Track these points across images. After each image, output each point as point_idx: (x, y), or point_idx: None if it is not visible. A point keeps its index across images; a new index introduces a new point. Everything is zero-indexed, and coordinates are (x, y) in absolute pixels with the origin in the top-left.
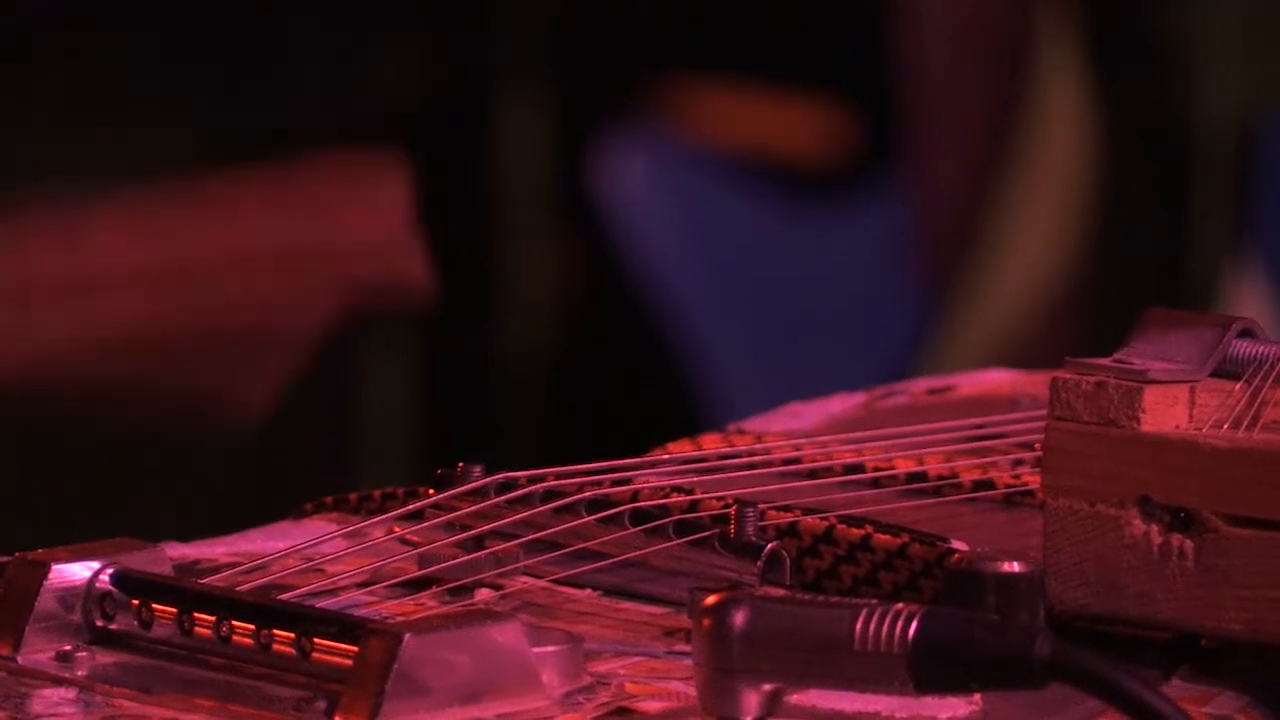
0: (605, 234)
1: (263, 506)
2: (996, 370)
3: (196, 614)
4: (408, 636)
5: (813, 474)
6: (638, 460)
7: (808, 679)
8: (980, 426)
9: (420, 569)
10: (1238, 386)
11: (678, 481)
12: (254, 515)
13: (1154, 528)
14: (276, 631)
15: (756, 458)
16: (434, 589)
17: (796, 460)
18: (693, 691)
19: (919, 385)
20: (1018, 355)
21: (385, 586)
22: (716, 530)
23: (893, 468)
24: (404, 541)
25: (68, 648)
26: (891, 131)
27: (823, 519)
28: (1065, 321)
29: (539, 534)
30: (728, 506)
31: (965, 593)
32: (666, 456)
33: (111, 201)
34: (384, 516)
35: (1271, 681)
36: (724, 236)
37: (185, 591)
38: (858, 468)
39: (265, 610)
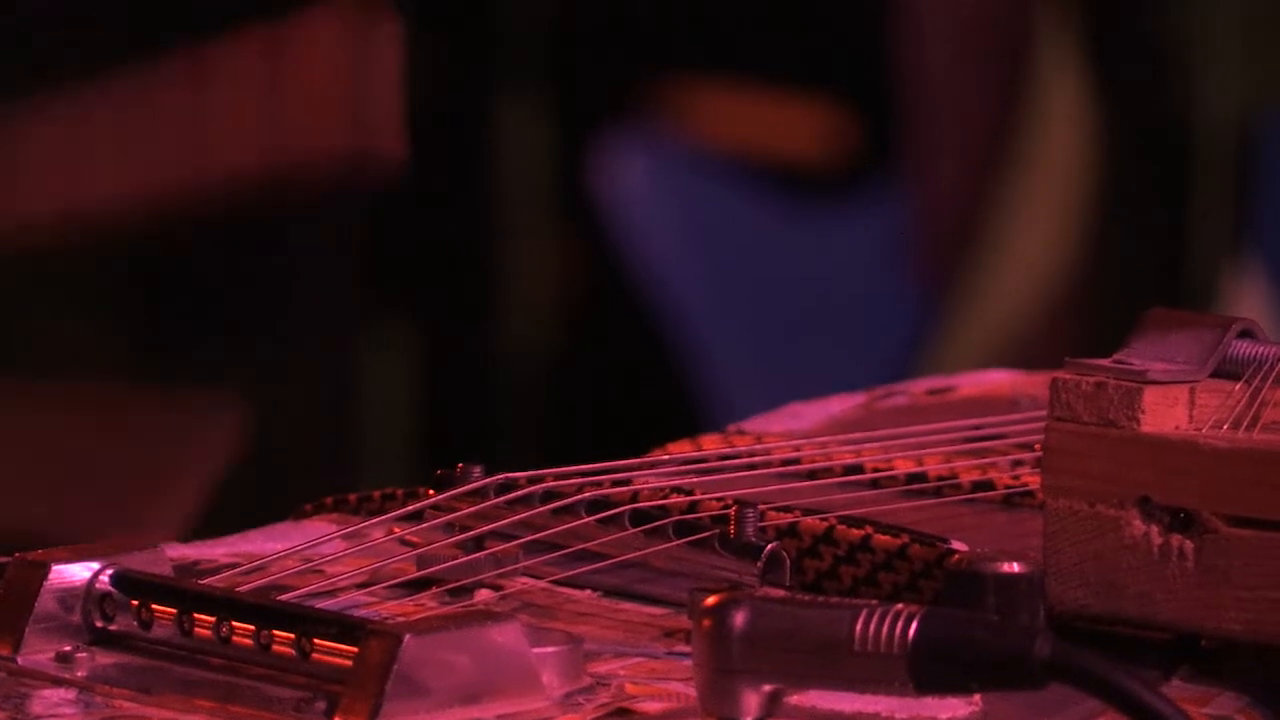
0: (605, 234)
1: (262, 507)
2: (996, 371)
3: (196, 615)
4: (408, 637)
5: (812, 475)
6: (637, 461)
7: (808, 680)
8: (980, 427)
9: (420, 570)
10: (1238, 387)
11: (677, 482)
12: (254, 516)
13: (1154, 528)
14: (276, 632)
15: (756, 458)
16: (434, 590)
17: (796, 461)
18: (693, 692)
19: (919, 386)
20: (1018, 356)
21: (385, 587)
22: (716, 531)
23: (892, 468)
24: (404, 542)
25: (68, 648)
26: (891, 131)
27: (823, 520)
28: (1065, 322)
29: (539, 535)
30: (727, 507)
31: (965, 593)
32: (666, 457)
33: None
34: (384, 517)
35: (1271, 682)
36: (724, 236)
37: (185, 592)
38: (857, 468)
39: (265, 611)
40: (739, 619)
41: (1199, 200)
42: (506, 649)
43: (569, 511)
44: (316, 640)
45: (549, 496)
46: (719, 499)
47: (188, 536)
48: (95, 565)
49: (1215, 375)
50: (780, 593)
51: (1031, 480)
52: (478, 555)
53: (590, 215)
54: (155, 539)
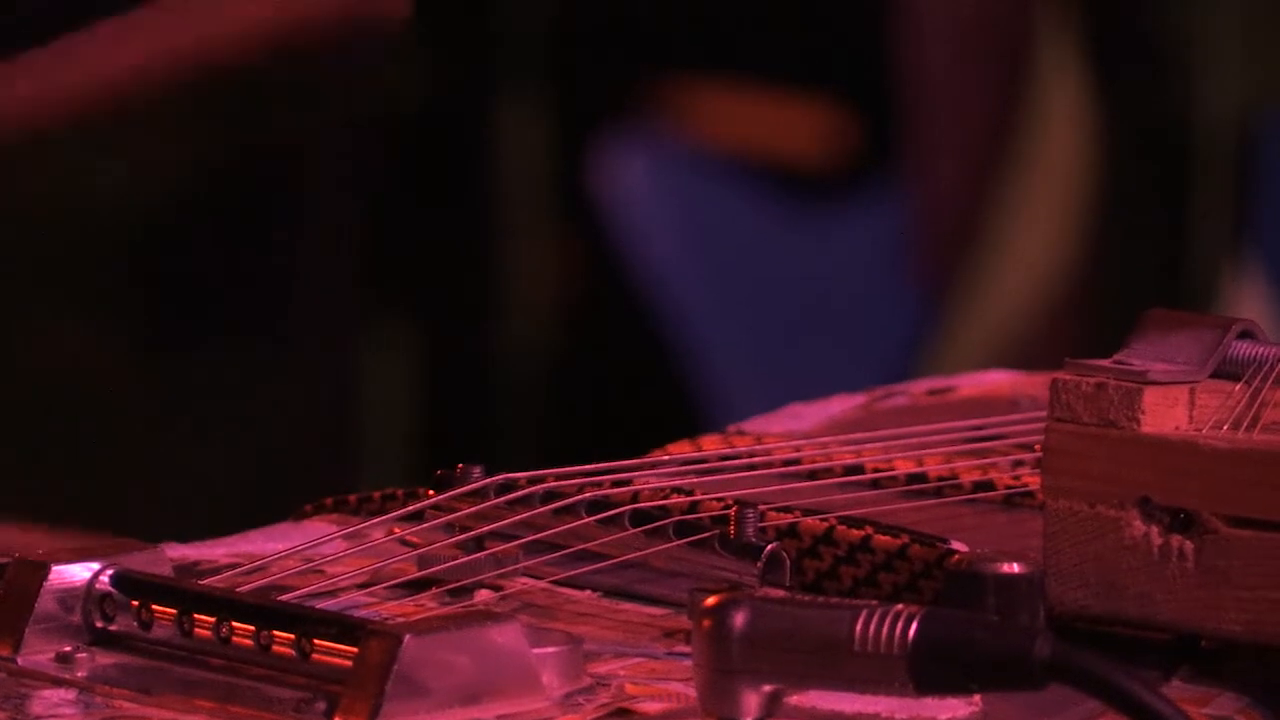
0: (605, 234)
1: (262, 507)
2: (996, 371)
3: (196, 615)
4: (408, 637)
5: (813, 475)
6: (638, 461)
7: (807, 680)
8: (980, 428)
9: (420, 570)
10: (1238, 388)
11: (678, 482)
12: (254, 516)
13: (1154, 529)
14: (276, 633)
15: (756, 459)
16: (434, 590)
17: (796, 461)
18: (693, 692)
19: (919, 386)
20: (1018, 356)
21: (385, 587)
22: (716, 531)
23: (893, 469)
24: (404, 542)
25: (68, 649)
26: (891, 131)
27: (823, 520)
28: (1065, 322)
29: (539, 535)
30: (728, 508)
31: (965, 594)
32: (666, 457)
33: None
34: (384, 517)
35: (1271, 682)
36: (724, 237)
37: (185, 592)
38: (858, 469)
39: (265, 611)
40: (739, 619)
41: (1199, 200)
42: (507, 649)
43: (569, 512)
44: (316, 640)
45: (549, 497)
46: (719, 499)
47: (188, 537)
48: (95, 565)
49: (1215, 376)
50: (780, 593)
51: (1032, 481)
52: (478, 555)
53: (590, 215)
54: (155, 540)
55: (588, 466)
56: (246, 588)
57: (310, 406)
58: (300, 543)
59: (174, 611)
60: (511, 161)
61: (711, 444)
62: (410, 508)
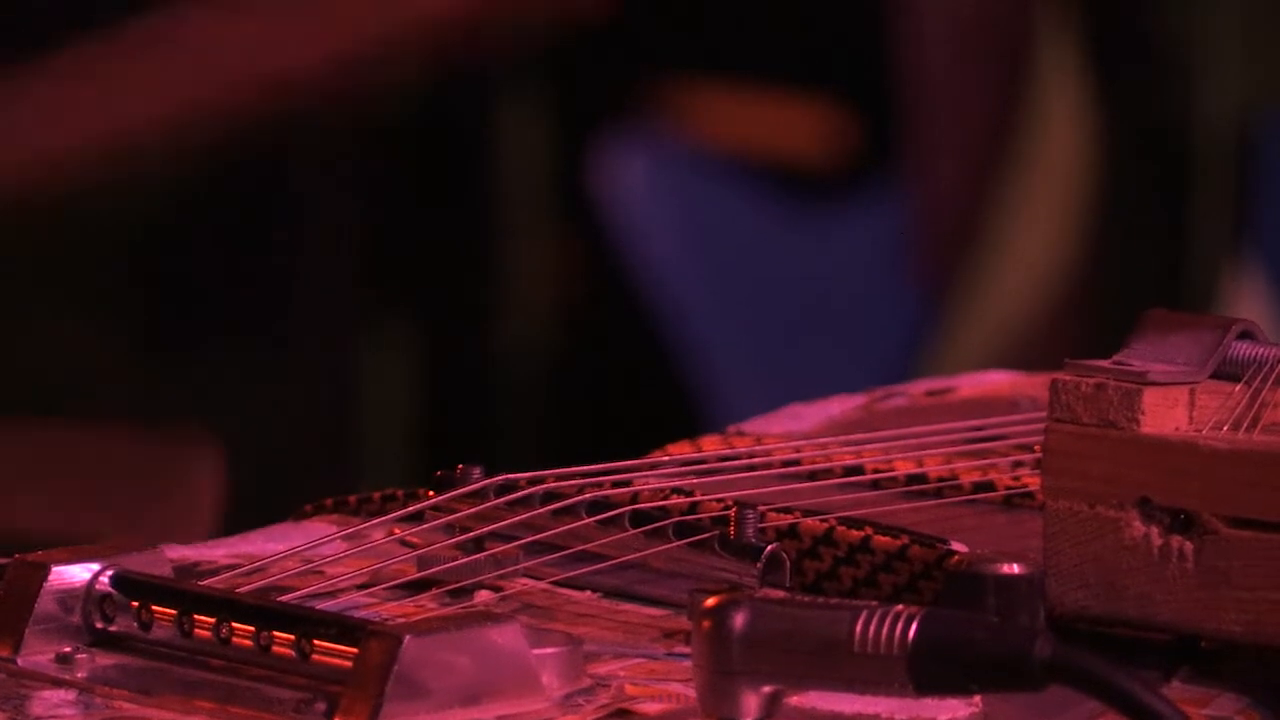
0: (605, 234)
1: (262, 507)
2: (996, 372)
3: (196, 616)
4: (408, 638)
5: (812, 476)
6: (637, 462)
7: (807, 681)
8: (980, 428)
9: (420, 571)
10: (1237, 388)
11: (678, 483)
12: (254, 516)
13: (1154, 529)
14: (276, 633)
15: (756, 459)
16: (434, 591)
17: (796, 462)
18: (692, 693)
19: (919, 387)
20: (1017, 357)
21: (385, 588)
22: (716, 532)
23: (892, 469)
24: (404, 543)
25: (67, 649)
26: (891, 131)
27: (822, 521)
28: (1065, 322)
29: (539, 536)
30: (728, 508)
31: (965, 594)
32: (666, 458)
33: None
34: (384, 518)
35: (1271, 683)
36: (724, 237)
37: (185, 593)
38: (857, 469)
39: (265, 612)
40: (739, 620)
41: (1199, 201)
42: (506, 650)
43: (569, 512)
44: (316, 641)
45: (549, 497)
46: (719, 500)
47: (188, 538)
48: (95, 566)
49: (1215, 376)
50: (780, 594)
51: (1031, 481)
52: (478, 556)
53: (590, 215)
54: (155, 540)
55: (587, 467)
56: (246, 588)
57: (310, 406)
58: (300, 543)
59: (174, 612)
60: (511, 161)
61: (711, 444)
62: (410, 508)
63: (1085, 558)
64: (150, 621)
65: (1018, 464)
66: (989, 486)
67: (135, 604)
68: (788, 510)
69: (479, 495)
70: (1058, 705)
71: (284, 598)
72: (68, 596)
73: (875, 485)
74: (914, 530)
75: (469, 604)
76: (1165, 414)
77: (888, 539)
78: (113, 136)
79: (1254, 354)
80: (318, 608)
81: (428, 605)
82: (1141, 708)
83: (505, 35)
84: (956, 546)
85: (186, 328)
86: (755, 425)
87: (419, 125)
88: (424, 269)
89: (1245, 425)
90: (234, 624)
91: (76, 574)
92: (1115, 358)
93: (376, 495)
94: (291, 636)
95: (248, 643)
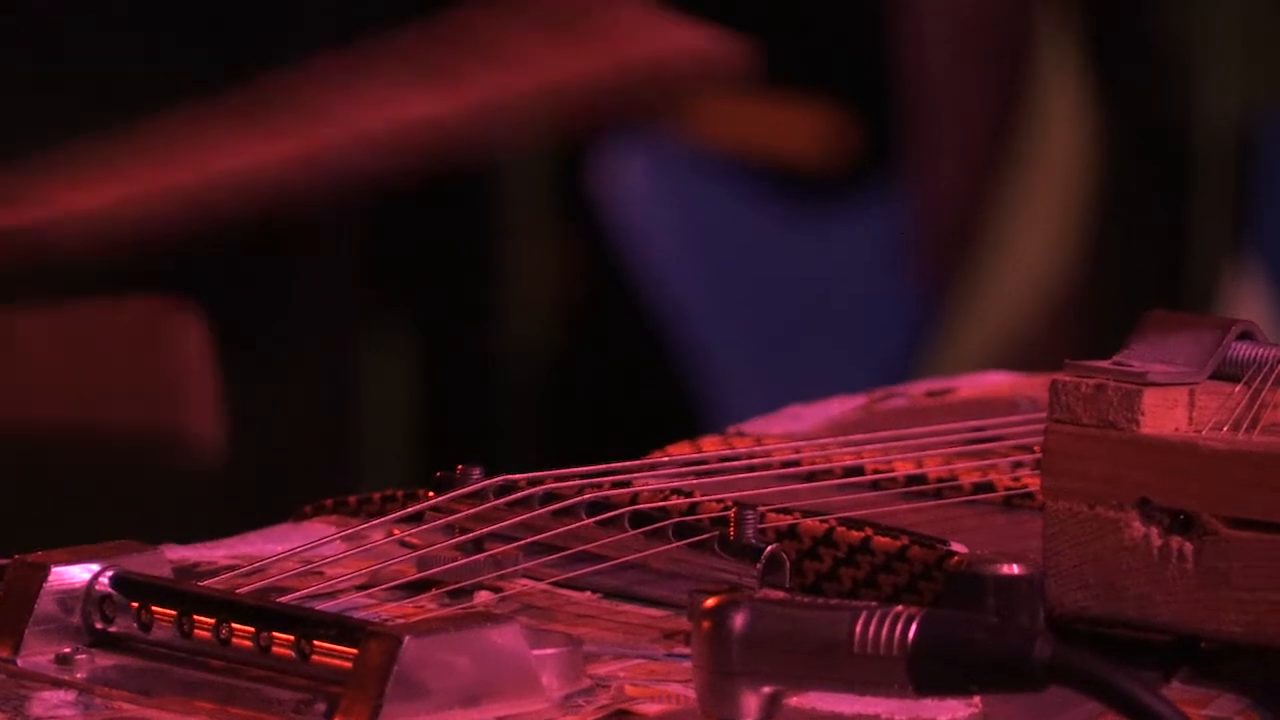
0: (605, 234)
1: (262, 508)
2: (996, 373)
3: (196, 616)
4: (407, 639)
5: (812, 476)
6: (637, 462)
7: (807, 681)
8: (980, 429)
9: (420, 571)
10: (1237, 389)
11: (677, 484)
12: (253, 517)
13: (1154, 530)
14: (276, 634)
15: (756, 460)
16: (433, 591)
17: (796, 463)
18: (692, 694)
19: (918, 388)
20: (1017, 357)
21: (385, 589)
22: (716, 533)
23: (892, 470)
24: (403, 544)
25: (67, 650)
26: (891, 131)
27: (822, 521)
28: (1065, 323)
29: (538, 536)
30: (727, 509)
31: (965, 595)
32: (666, 459)
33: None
34: (383, 519)
35: (1271, 684)
36: (724, 237)
37: (185, 594)
38: (857, 470)
39: (265, 613)
40: (738, 621)
41: (1199, 201)
42: (506, 651)
43: (569, 513)
44: (316, 642)
45: (549, 498)
46: (719, 501)
47: (187, 539)
48: (95, 567)
49: (1215, 377)
50: (780, 594)
51: (1031, 482)
52: (477, 557)
53: (590, 215)
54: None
55: (587, 468)
56: (246, 589)
57: (310, 406)
58: (300, 544)
59: (174, 613)
60: (511, 161)
61: (711, 445)
62: (410, 509)
63: (1085, 558)
64: (150, 622)
65: (1017, 465)
66: (989, 487)
67: (135, 605)
68: (787, 511)
69: (479, 496)
70: (1057, 706)
71: (284, 598)
72: (67, 597)
73: (875, 486)
74: (914, 531)
75: (469, 605)
76: (1165, 415)
77: (887, 540)
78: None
79: (1254, 355)
80: (317, 608)
81: (427, 606)
82: (1141, 708)
83: None
84: (956, 547)
85: None
86: (755, 426)
87: None
88: (424, 269)
89: (1245, 426)
90: (234, 625)
91: (76, 575)
92: (1115, 358)
93: (376, 496)
94: (291, 637)
95: (247, 643)
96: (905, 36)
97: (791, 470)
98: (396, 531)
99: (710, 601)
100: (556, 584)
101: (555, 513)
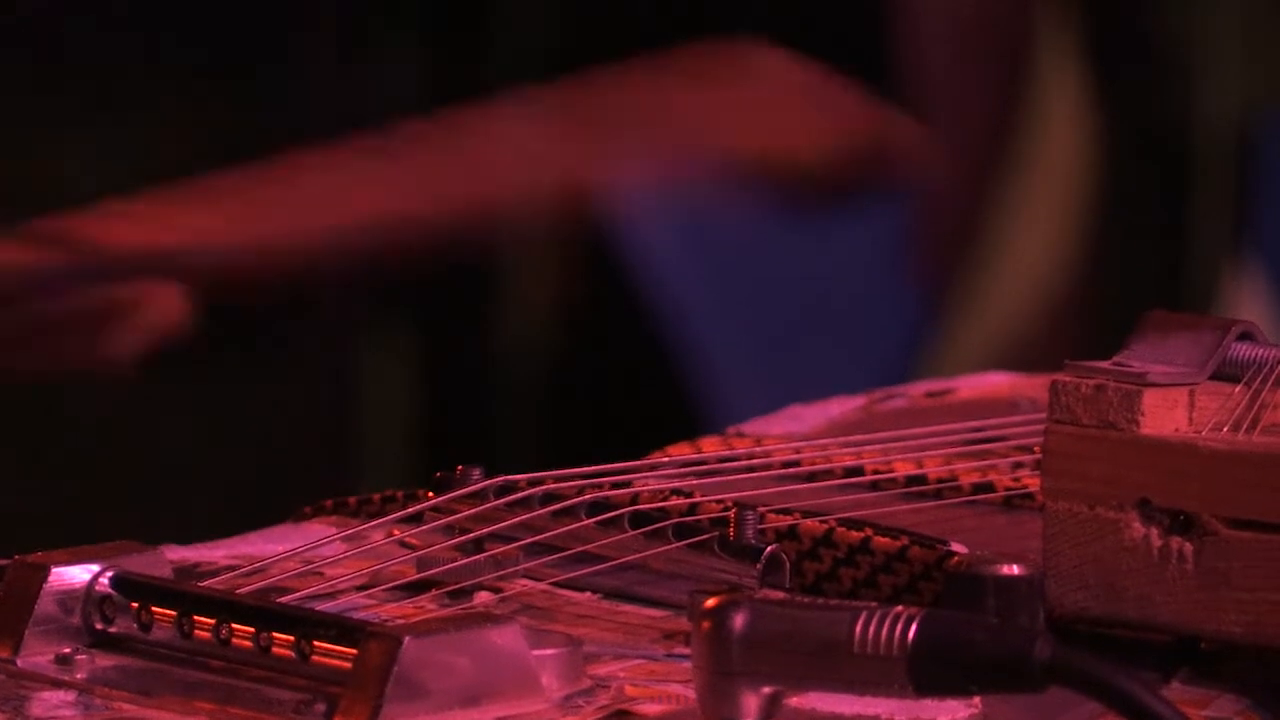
0: (605, 234)
1: (262, 508)
2: (996, 373)
3: (196, 617)
4: (407, 639)
5: (812, 477)
6: (637, 463)
7: (807, 682)
8: (979, 429)
9: (420, 572)
10: (1237, 389)
11: (677, 484)
12: (253, 517)
13: (1154, 530)
14: (276, 634)
15: (756, 460)
16: (433, 592)
17: (796, 463)
18: (692, 694)
19: (918, 388)
20: (1017, 358)
21: (385, 589)
22: (716, 533)
23: (892, 470)
24: (403, 544)
25: (67, 650)
26: None
27: (822, 522)
28: (1065, 324)
29: (538, 537)
30: (727, 509)
31: (965, 595)
32: (666, 459)
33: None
34: (383, 519)
35: (1271, 684)
36: (724, 237)
37: (185, 594)
38: (857, 470)
39: (265, 613)
40: (738, 621)
41: (1199, 201)
42: (506, 651)
43: (569, 514)
44: (316, 642)
45: (549, 499)
46: (719, 501)
47: (188, 539)
48: (95, 567)
49: (1215, 377)
50: (780, 595)
51: (1031, 482)
52: (477, 557)
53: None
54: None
55: (587, 468)
56: (246, 589)
57: (310, 406)
58: (300, 545)
59: (174, 613)
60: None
61: (711, 446)
62: (410, 510)
63: (1085, 559)
64: (150, 623)
65: (1017, 465)
66: (989, 488)
67: (135, 605)
68: (787, 511)
69: (479, 496)
70: (1057, 706)
71: (284, 599)
72: (68, 598)
73: (875, 486)
74: (914, 531)
75: (469, 605)
76: (1165, 415)
77: (887, 540)
78: None
79: (1254, 355)
80: (317, 609)
81: (427, 606)
82: (1141, 709)
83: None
84: (956, 548)
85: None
86: (755, 426)
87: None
88: (424, 269)
89: (1245, 426)
90: (234, 625)
91: (76, 575)
92: (1115, 359)
93: (376, 496)
94: (291, 638)
95: (247, 644)
96: (905, 36)
97: (791, 471)
98: (396, 532)
99: (710, 602)
100: (556, 584)
101: (555, 513)
